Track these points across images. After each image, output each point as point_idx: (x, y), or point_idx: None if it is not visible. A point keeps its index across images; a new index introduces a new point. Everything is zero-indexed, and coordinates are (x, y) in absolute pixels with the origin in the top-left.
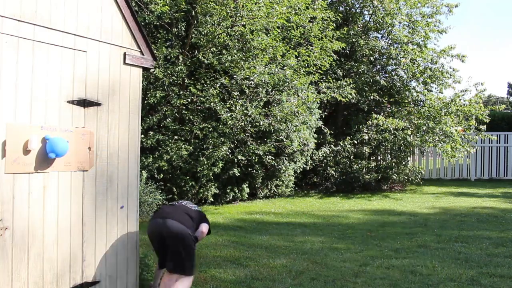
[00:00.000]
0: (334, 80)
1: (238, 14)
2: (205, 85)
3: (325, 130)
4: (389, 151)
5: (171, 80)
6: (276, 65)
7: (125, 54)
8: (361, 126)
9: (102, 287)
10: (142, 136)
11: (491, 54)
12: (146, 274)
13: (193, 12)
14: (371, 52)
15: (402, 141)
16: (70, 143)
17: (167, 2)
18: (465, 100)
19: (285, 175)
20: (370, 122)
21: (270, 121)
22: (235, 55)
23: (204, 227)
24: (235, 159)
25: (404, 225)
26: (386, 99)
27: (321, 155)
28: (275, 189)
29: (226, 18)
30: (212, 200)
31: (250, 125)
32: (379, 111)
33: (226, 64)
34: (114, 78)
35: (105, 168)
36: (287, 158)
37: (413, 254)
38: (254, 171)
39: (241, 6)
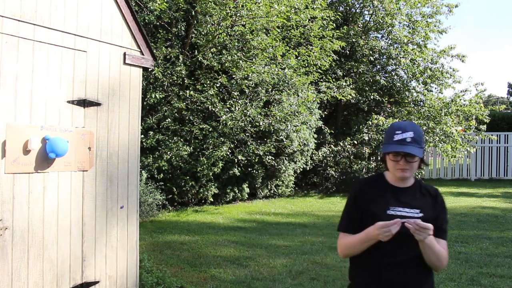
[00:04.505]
0: (334, 80)
1: (238, 14)
2: (205, 85)
3: (325, 130)
4: None
5: (171, 80)
6: (276, 65)
7: (125, 54)
8: (361, 126)
9: (102, 287)
10: (142, 136)
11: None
12: (146, 274)
13: (193, 11)
14: (371, 52)
15: None
16: (70, 143)
17: (166, 0)
18: (465, 100)
19: (285, 175)
20: (370, 122)
21: (270, 121)
22: (235, 55)
23: None
24: (235, 159)
25: None
26: (386, 99)
27: (321, 155)
28: (275, 189)
29: (226, 18)
30: (212, 200)
31: (250, 125)
32: (379, 111)
33: (226, 64)
34: (114, 78)
35: (105, 168)
36: (287, 158)
37: None
38: (254, 171)
39: (240, 6)
